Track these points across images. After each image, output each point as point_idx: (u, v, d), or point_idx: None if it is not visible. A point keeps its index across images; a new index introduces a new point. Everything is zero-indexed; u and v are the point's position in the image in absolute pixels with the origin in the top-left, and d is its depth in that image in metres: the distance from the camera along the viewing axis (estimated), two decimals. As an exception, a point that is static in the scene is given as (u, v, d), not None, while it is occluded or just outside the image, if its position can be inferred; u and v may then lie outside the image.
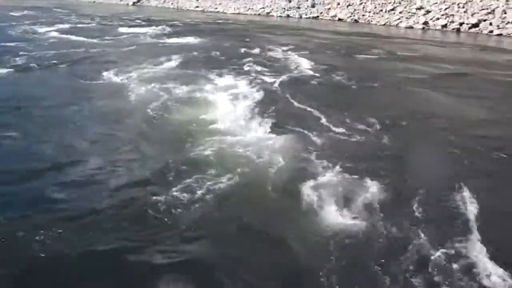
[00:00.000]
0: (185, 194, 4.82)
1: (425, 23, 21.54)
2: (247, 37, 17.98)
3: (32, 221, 4.40)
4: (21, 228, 4.26)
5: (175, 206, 4.63)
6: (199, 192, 4.88)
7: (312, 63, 12.38)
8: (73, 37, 17.04)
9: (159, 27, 20.82)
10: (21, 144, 6.33)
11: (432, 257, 3.82)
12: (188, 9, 32.08)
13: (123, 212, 4.61)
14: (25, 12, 28.58)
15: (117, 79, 10.19)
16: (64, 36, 17.42)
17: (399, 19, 22.60)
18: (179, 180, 5.15)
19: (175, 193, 4.85)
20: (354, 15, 24.23)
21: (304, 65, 12.18)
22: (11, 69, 10.98)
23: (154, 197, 4.80)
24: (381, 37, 18.66)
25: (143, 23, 23.15)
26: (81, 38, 16.66)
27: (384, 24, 22.76)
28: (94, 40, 16.36)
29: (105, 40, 16.56)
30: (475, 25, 20.13)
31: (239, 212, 4.64)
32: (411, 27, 21.75)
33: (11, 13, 27.37)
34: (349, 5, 24.94)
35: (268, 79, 10.27)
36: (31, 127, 6.99)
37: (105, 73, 10.67)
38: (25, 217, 4.49)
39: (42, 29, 19.34)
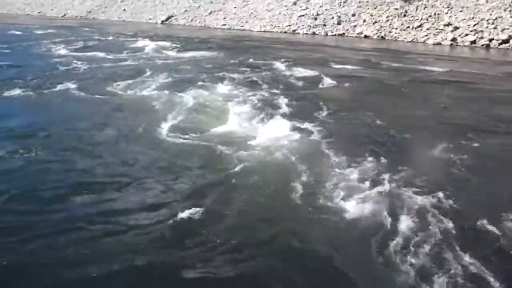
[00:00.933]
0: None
1: (453, 39, 21.46)
2: (269, 52, 18.30)
3: (77, 242, 4.60)
4: (67, 248, 4.46)
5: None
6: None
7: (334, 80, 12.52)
8: (99, 54, 17.68)
9: (183, 43, 21.38)
10: (55, 166, 6.57)
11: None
12: (215, 27, 32.69)
13: (165, 228, 4.77)
14: (52, 30, 29.62)
15: (141, 92, 10.62)
16: (89, 54, 18.03)
17: (426, 35, 22.57)
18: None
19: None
20: (380, 32, 24.30)
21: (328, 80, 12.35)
22: (35, 90, 11.39)
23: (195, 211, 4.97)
24: (406, 53, 18.71)
25: (168, 39, 23.70)
26: (107, 56, 17.25)
27: (411, 41, 22.76)
28: (118, 56, 16.99)
29: (128, 55, 17.15)
30: (506, 41, 19.95)
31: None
32: (439, 44, 21.70)
33: (38, 32, 28.41)
34: (376, 22, 25.05)
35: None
36: (65, 146, 7.27)
37: (129, 86, 11.13)
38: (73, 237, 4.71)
39: (67, 47, 20.07)
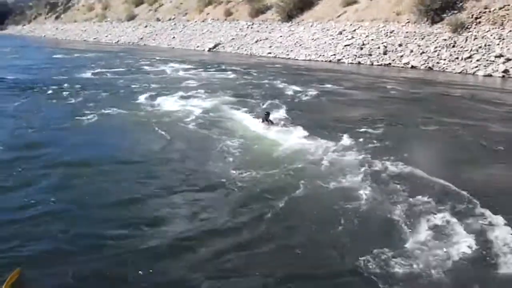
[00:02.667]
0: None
1: (505, 71, 20.83)
2: (318, 82, 18.45)
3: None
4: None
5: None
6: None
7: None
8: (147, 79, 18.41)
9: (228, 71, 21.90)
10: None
11: None
12: (260, 55, 33.28)
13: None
14: (99, 54, 31.15)
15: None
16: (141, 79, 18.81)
17: (476, 67, 22.03)
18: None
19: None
20: (428, 63, 23.96)
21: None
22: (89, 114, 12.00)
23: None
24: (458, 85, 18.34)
25: (216, 66, 24.36)
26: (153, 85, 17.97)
27: (460, 72, 22.26)
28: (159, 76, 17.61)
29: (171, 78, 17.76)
30: (561, 74, 19.18)
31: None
32: (489, 75, 21.11)
33: (86, 55, 29.93)
34: (423, 52, 24.74)
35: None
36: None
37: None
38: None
39: (112, 70, 21.03)
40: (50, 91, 15.22)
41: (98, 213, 6.02)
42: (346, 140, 9.44)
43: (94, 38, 60.88)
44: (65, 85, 16.59)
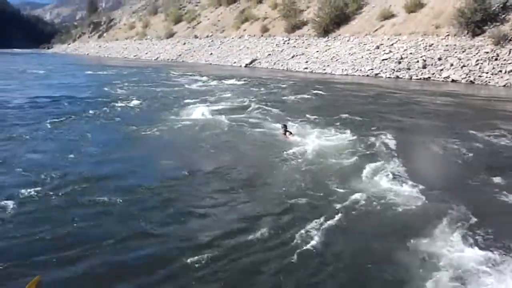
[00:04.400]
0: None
1: (552, 84, 20.10)
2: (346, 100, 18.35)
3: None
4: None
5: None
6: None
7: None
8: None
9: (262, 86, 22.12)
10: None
11: None
12: (297, 71, 33.44)
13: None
14: (139, 70, 32.10)
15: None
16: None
17: (521, 80, 21.38)
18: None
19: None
20: (469, 76, 23.40)
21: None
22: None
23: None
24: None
25: (251, 81, 24.66)
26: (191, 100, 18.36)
27: (504, 86, 21.63)
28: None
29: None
30: None
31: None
32: (535, 89, 20.42)
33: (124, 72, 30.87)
34: (464, 66, 24.20)
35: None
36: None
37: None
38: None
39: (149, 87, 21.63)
40: (93, 109, 15.82)
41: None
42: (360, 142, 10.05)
43: (135, 55, 62.94)
44: (109, 103, 17.21)
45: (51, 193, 7.07)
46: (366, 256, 5.25)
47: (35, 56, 74.71)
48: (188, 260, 5.15)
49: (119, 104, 16.54)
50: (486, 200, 6.99)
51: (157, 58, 56.32)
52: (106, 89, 22.58)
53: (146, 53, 61.56)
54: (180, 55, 52.92)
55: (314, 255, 5.24)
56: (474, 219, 6.03)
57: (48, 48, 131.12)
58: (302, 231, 5.74)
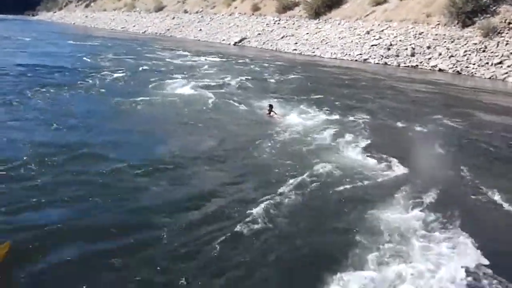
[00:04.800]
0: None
1: (537, 78, 20.31)
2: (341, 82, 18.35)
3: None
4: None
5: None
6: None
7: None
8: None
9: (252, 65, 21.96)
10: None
11: None
12: (286, 51, 33.20)
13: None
14: (126, 43, 31.52)
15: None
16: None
17: (506, 73, 21.54)
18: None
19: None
20: (456, 66, 23.50)
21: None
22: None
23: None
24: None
25: (240, 59, 24.43)
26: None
27: (490, 78, 21.78)
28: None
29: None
30: None
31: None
32: (520, 82, 20.62)
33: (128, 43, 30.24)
34: (452, 56, 24.28)
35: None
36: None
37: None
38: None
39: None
40: (79, 80, 15.49)
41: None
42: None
43: (122, 28, 61.64)
44: (95, 74, 16.87)
45: (28, 167, 6.86)
46: (323, 220, 5.97)
47: (19, 23, 72.64)
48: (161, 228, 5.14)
49: (104, 77, 16.25)
50: (440, 173, 7.90)
51: (145, 31, 55.28)
52: (90, 60, 22.13)
53: (134, 26, 60.33)
54: (168, 29, 52.00)
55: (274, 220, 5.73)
56: (428, 192, 6.87)
57: (33, 15, 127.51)
58: (270, 198, 6.29)
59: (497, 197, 6.86)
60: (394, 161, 8.21)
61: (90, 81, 15.19)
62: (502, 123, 12.60)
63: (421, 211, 6.21)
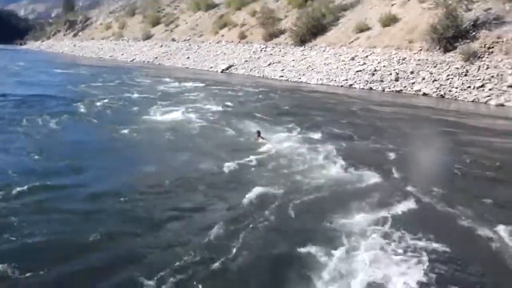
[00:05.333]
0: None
1: (518, 101, 20.75)
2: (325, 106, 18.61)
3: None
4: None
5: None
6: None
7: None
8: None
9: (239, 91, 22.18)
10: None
11: None
12: (273, 78, 33.59)
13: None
14: (114, 71, 31.66)
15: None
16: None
17: (488, 96, 22.00)
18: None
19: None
20: (440, 90, 23.98)
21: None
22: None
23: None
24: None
25: (227, 86, 24.67)
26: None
27: (473, 101, 22.23)
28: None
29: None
30: None
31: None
32: (501, 105, 21.05)
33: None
34: (435, 80, 24.80)
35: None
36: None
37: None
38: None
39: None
40: (65, 108, 15.49)
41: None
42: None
43: (110, 56, 62.02)
44: (83, 102, 16.89)
45: (15, 197, 6.79)
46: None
47: (8, 52, 72.79)
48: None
49: (92, 104, 16.30)
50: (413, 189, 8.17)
51: (133, 59, 55.65)
52: (79, 88, 22.21)
53: (122, 54, 60.75)
54: (156, 57, 52.45)
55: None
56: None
57: (21, 45, 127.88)
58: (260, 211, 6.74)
59: (465, 216, 7.11)
60: (368, 176, 8.94)
61: (79, 109, 15.24)
62: (478, 141, 13.10)
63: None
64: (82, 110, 15.23)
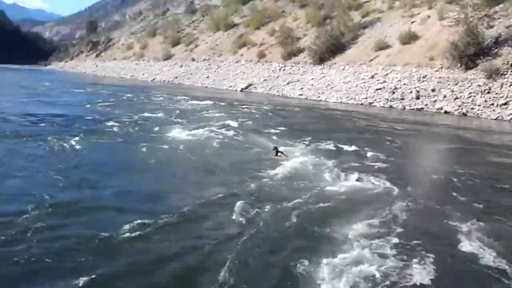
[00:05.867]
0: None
1: (543, 119, 20.31)
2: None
3: None
4: None
5: None
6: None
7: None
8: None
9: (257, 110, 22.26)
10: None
11: None
12: (292, 97, 33.65)
13: None
14: (135, 91, 32.16)
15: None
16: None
17: (512, 114, 21.59)
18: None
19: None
20: (462, 108, 23.63)
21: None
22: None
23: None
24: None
25: (246, 105, 24.81)
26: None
27: (496, 119, 21.83)
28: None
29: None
30: None
31: None
32: (526, 123, 20.62)
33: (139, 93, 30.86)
34: (457, 98, 24.47)
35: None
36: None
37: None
38: None
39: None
40: (86, 127, 15.75)
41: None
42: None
43: (131, 76, 63.18)
44: (105, 122, 17.18)
45: (31, 219, 6.83)
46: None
47: (33, 73, 74.86)
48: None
49: (114, 124, 16.47)
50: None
51: (154, 79, 56.56)
52: (101, 108, 22.55)
53: (143, 74, 61.83)
54: (176, 77, 53.20)
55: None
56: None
57: (45, 65, 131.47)
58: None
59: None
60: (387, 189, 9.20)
61: (99, 129, 15.42)
62: (494, 159, 12.95)
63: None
64: (103, 129, 15.46)
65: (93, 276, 5.19)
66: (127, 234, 6.44)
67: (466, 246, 6.37)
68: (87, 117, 18.40)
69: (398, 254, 5.99)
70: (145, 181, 9.54)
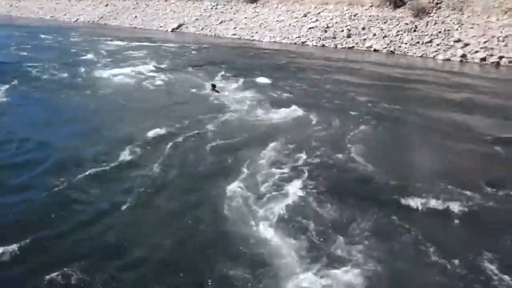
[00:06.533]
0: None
1: (463, 56, 21.43)
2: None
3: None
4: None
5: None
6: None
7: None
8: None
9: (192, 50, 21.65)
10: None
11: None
12: (225, 37, 32.82)
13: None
14: (55, 33, 29.96)
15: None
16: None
17: (436, 51, 22.55)
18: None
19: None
20: (390, 46, 24.31)
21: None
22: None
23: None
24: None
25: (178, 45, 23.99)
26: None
27: (421, 56, 22.72)
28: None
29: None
30: (516, 59, 19.89)
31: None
32: (448, 60, 21.65)
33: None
34: (385, 36, 25.07)
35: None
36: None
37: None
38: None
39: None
40: (11, 74, 14.50)
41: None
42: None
43: (51, 16, 58.25)
44: (26, 67, 15.89)
45: None
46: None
47: None
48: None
49: (36, 68, 15.28)
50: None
51: (77, 19, 52.60)
52: (21, 53, 20.71)
53: (65, 14, 57.18)
54: (102, 17, 49.79)
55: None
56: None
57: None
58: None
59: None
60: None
61: (24, 75, 14.25)
62: (418, 94, 13.86)
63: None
64: (27, 75, 14.29)
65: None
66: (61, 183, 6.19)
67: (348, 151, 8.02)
68: (6, 63, 16.86)
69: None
70: (79, 129, 9.08)
